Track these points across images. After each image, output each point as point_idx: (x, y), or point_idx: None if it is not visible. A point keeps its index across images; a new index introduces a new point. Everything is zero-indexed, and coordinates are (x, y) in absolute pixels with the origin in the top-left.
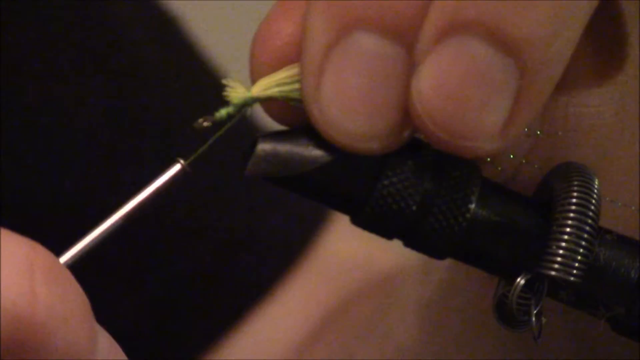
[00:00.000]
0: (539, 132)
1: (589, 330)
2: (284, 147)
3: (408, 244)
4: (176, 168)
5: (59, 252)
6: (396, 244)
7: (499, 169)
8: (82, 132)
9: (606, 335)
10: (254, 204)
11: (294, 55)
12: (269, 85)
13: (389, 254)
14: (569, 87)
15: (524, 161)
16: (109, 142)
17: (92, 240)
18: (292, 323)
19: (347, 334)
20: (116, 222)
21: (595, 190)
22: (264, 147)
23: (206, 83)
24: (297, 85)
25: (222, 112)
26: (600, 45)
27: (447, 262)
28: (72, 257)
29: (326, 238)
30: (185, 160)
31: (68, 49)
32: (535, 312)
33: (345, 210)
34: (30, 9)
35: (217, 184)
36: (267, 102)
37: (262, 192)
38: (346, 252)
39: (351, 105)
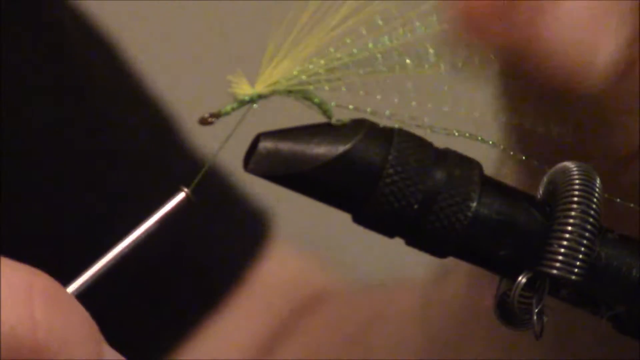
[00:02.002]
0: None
1: (573, 332)
2: (285, 145)
3: (409, 242)
4: (180, 196)
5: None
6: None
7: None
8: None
9: (591, 337)
10: (193, 218)
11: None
12: (273, 80)
13: (331, 273)
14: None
15: (523, 157)
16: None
17: (101, 269)
18: (232, 346)
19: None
20: (123, 250)
21: (597, 189)
22: (266, 145)
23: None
24: (301, 79)
25: (227, 108)
26: None
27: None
28: (81, 285)
29: (268, 257)
30: (187, 187)
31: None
32: (536, 310)
33: (346, 209)
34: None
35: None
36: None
37: (202, 207)
38: (290, 272)
39: None
